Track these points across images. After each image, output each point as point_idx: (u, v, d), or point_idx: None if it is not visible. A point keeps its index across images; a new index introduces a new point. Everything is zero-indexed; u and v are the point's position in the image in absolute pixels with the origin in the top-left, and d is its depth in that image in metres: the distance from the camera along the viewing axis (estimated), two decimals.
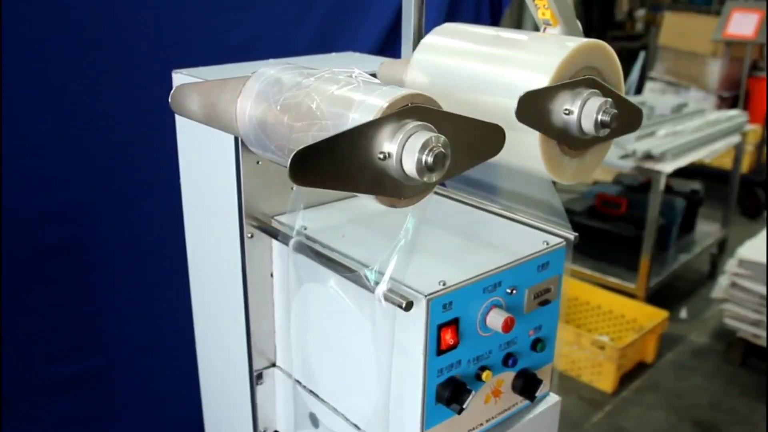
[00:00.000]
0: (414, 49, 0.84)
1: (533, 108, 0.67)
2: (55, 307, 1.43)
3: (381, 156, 0.58)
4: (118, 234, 1.45)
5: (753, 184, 4.17)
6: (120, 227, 1.45)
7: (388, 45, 1.73)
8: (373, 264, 0.70)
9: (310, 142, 0.55)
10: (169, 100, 0.80)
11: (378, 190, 0.59)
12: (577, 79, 0.70)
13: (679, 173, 2.95)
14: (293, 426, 0.91)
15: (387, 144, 0.58)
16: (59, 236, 1.38)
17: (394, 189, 0.60)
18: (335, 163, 0.56)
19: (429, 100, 0.61)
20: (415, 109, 0.59)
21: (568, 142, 0.72)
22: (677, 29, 5.07)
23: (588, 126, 0.69)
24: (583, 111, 0.69)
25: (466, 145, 0.62)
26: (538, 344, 0.81)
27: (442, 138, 0.58)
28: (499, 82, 0.73)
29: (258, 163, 0.83)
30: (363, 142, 0.57)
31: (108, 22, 1.34)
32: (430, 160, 0.57)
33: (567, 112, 0.69)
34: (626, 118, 0.73)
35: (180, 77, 0.90)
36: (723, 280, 2.67)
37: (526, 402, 0.84)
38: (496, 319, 0.73)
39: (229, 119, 0.73)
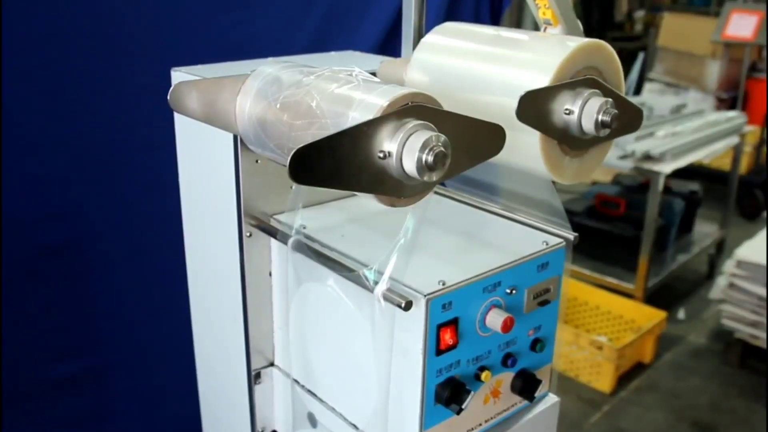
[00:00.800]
0: (414, 48, 0.84)
1: (534, 108, 0.66)
2: (54, 307, 1.42)
3: (381, 155, 0.57)
4: (117, 233, 1.45)
5: (751, 185, 4.18)
6: (119, 226, 1.45)
7: (388, 44, 1.73)
8: (373, 263, 0.70)
9: (310, 140, 0.55)
10: (168, 98, 0.80)
11: (378, 189, 0.59)
12: (577, 78, 0.70)
13: (678, 174, 2.95)
14: (291, 426, 0.91)
15: (387, 143, 0.58)
16: (58, 236, 1.38)
17: (394, 188, 0.60)
18: (335, 161, 0.56)
19: (429, 99, 0.60)
20: (415, 108, 0.59)
21: (569, 142, 0.72)
22: (676, 30, 5.08)
23: (588, 126, 0.69)
24: (583, 111, 0.69)
25: (467, 145, 0.62)
26: (537, 344, 0.81)
27: (443, 137, 0.58)
28: (499, 82, 0.72)
29: (257, 161, 0.82)
30: (363, 140, 0.57)
31: (107, 20, 1.34)
32: (430, 159, 0.57)
33: (567, 112, 0.69)
34: (627, 118, 0.73)
35: (179, 75, 0.89)
36: (721, 281, 2.67)
37: (525, 402, 0.83)
38: (496, 319, 0.73)
39: (228, 117, 0.73)
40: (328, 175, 0.56)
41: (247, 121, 0.71)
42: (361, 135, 0.57)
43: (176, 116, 0.92)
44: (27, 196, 1.33)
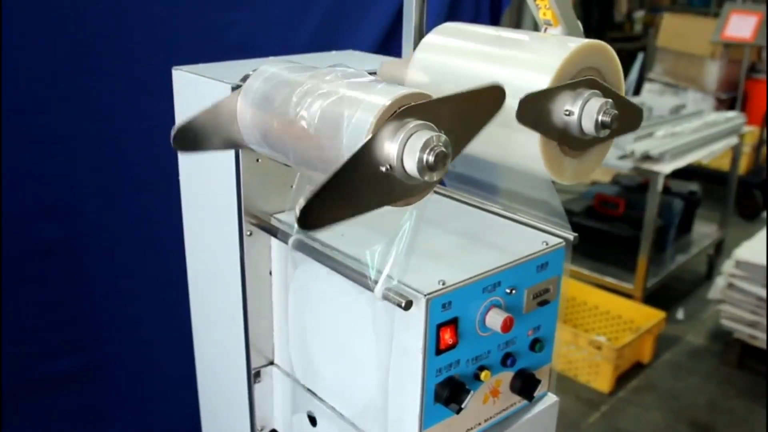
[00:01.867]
0: (414, 48, 0.84)
1: (534, 110, 0.66)
2: (53, 304, 1.42)
3: (384, 169, 0.58)
4: (116, 231, 1.45)
5: (750, 186, 4.18)
6: (118, 224, 1.45)
7: (388, 44, 1.73)
8: (373, 263, 0.70)
9: (311, 139, 0.55)
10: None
11: (386, 200, 0.59)
12: (577, 79, 0.70)
13: (677, 174, 2.95)
14: (291, 425, 0.91)
15: (388, 144, 0.58)
16: (56, 233, 1.38)
17: (401, 192, 0.60)
18: (343, 196, 0.56)
19: (426, 97, 0.60)
20: (411, 108, 0.59)
21: (569, 142, 0.72)
22: (676, 31, 5.08)
23: (588, 126, 0.69)
24: (583, 111, 0.69)
25: (468, 117, 0.61)
26: (536, 344, 0.81)
27: (443, 137, 0.58)
28: (500, 81, 0.72)
29: (257, 160, 0.82)
30: (366, 160, 0.57)
31: (107, 18, 1.34)
32: (431, 159, 0.57)
33: (567, 113, 0.69)
34: (627, 117, 0.73)
35: (180, 74, 0.89)
36: (720, 281, 2.67)
37: (524, 402, 0.84)
38: (495, 319, 0.73)
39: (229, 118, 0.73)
40: (341, 211, 0.57)
41: (248, 121, 0.71)
42: (362, 157, 0.56)
43: (176, 114, 0.92)
44: (26, 193, 1.32)
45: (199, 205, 0.95)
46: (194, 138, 0.73)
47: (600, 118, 0.69)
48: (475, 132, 0.62)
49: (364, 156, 0.57)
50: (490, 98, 0.61)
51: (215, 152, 0.85)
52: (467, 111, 0.61)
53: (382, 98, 0.59)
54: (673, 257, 3.25)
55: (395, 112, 0.58)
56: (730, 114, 3.65)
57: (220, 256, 0.91)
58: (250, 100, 0.71)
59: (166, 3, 1.40)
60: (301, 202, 0.54)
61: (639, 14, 7.15)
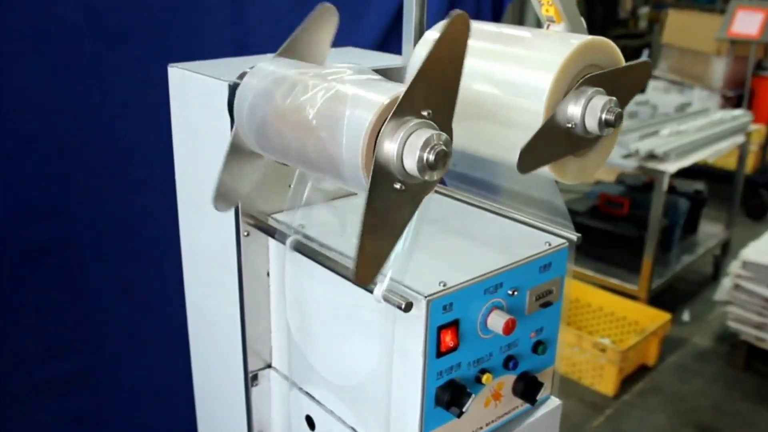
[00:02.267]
0: (414, 47, 0.83)
1: (535, 153, 0.66)
2: (46, 307, 1.41)
3: (397, 186, 0.58)
4: (113, 232, 1.44)
5: (757, 185, 4.15)
6: (115, 225, 1.44)
7: (388, 43, 1.72)
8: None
9: (311, 140, 0.54)
10: None
11: (411, 213, 0.60)
12: (573, 87, 0.69)
13: (683, 173, 2.93)
14: (288, 428, 0.90)
15: (387, 143, 0.56)
16: (50, 234, 1.37)
17: (416, 199, 0.60)
18: (380, 236, 0.58)
19: None
20: (401, 106, 0.57)
21: (573, 145, 0.71)
22: (681, 27, 5.05)
23: (592, 125, 0.69)
24: (587, 110, 0.68)
25: (446, 67, 0.59)
26: (539, 347, 0.80)
27: (444, 135, 0.57)
28: (502, 79, 0.71)
29: None
30: (382, 186, 0.57)
31: (102, 16, 1.33)
32: (431, 158, 0.56)
33: (572, 126, 0.68)
34: (632, 79, 0.72)
35: (176, 72, 0.88)
36: (726, 282, 2.65)
37: (527, 405, 0.82)
38: (497, 321, 0.72)
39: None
40: (384, 253, 0.59)
41: (246, 120, 0.70)
42: (379, 187, 0.56)
43: (173, 113, 0.91)
44: (23, 193, 1.32)
45: (196, 205, 0.94)
46: (235, 187, 0.75)
47: (604, 116, 0.68)
48: (459, 72, 0.59)
49: (379, 181, 0.56)
50: (458, 31, 0.59)
51: (212, 151, 0.84)
52: (443, 64, 0.58)
53: (381, 96, 0.58)
54: (678, 258, 3.22)
55: (393, 111, 0.56)
56: (737, 112, 3.62)
57: (217, 257, 0.90)
58: (250, 97, 0.70)
59: (166, 1, 1.39)
60: (353, 269, 0.57)
61: (644, 11, 7.12)
